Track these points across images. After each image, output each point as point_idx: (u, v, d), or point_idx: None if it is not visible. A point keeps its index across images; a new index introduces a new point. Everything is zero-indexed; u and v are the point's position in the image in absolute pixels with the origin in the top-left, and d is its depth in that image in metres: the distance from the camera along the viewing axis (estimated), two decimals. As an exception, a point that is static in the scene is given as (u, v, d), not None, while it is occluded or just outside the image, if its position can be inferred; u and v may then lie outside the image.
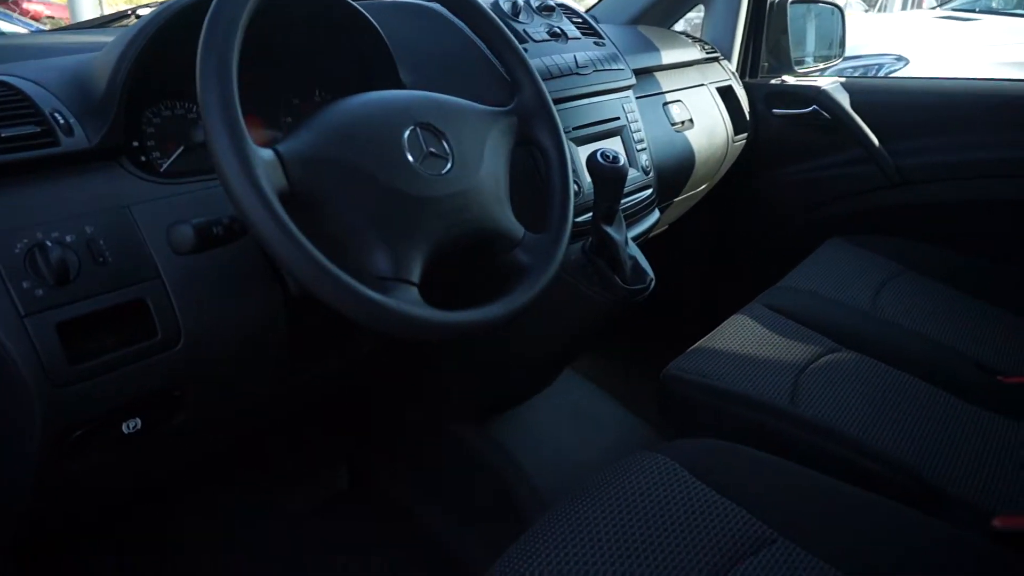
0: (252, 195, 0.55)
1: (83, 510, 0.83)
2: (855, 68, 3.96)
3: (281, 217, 0.55)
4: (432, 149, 0.70)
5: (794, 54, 1.75)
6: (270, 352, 0.82)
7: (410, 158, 0.68)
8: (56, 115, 0.69)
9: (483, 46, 0.91)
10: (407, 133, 0.69)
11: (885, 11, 10.63)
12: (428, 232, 0.67)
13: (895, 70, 3.93)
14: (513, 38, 0.82)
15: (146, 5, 1.17)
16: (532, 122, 0.81)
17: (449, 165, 0.71)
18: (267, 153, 0.59)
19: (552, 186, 0.80)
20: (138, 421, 0.72)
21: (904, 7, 10.06)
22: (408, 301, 0.62)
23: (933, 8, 6.53)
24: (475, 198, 0.72)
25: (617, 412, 1.41)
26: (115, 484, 0.83)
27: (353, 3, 0.86)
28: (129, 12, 1.15)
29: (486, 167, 0.74)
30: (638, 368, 1.80)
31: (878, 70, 3.95)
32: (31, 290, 0.62)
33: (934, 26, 4.64)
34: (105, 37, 1.06)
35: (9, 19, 4.76)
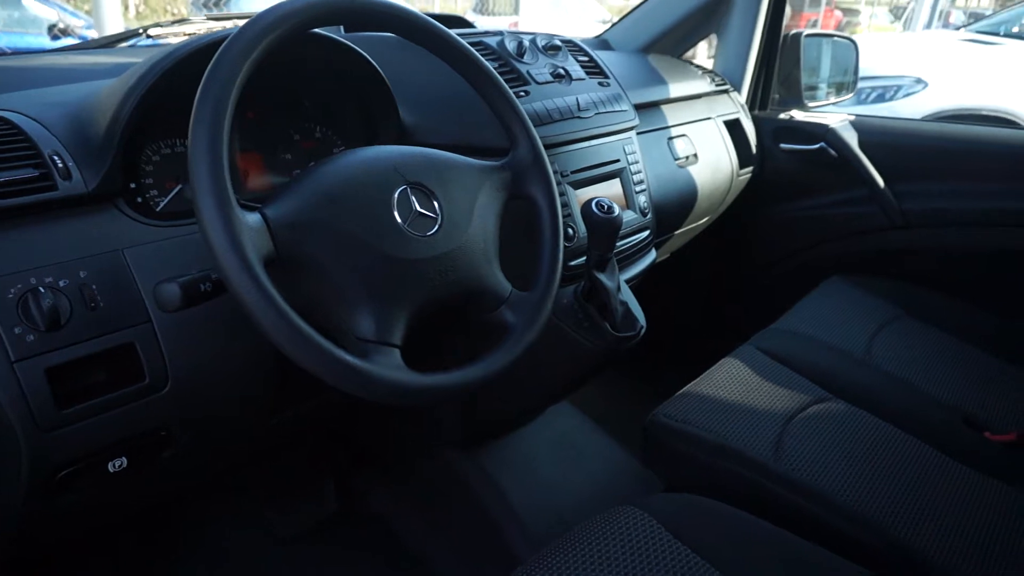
0: (234, 263, 0.55)
1: (70, 536, 0.85)
2: (872, 89, 3.91)
3: (263, 285, 0.56)
4: (421, 209, 0.70)
5: (806, 87, 1.74)
6: (257, 393, 0.83)
7: (399, 220, 0.68)
8: (55, 158, 0.70)
9: None
10: (397, 194, 0.69)
11: (910, 24, 10.53)
12: (413, 294, 0.67)
13: (913, 93, 3.87)
14: (509, 91, 0.81)
15: (157, 24, 1.18)
16: (526, 177, 0.81)
17: (437, 225, 0.71)
18: (254, 218, 0.60)
19: (542, 243, 0.80)
20: (124, 460, 0.73)
21: (930, 23, 9.93)
22: (387, 366, 0.62)
23: (959, 28, 6.44)
24: (462, 258, 0.72)
25: (605, 443, 1.42)
26: (101, 514, 0.85)
27: (357, 48, 0.86)
28: (140, 31, 1.16)
29: (475, 225, 0.75)
30: (629, 399, 1.81)
31: (896, 92, 3.89)
32: (22, 336, 0.64)
33: (958, 49, 4.57)
34: (113, 58, 1.07)
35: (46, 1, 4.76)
